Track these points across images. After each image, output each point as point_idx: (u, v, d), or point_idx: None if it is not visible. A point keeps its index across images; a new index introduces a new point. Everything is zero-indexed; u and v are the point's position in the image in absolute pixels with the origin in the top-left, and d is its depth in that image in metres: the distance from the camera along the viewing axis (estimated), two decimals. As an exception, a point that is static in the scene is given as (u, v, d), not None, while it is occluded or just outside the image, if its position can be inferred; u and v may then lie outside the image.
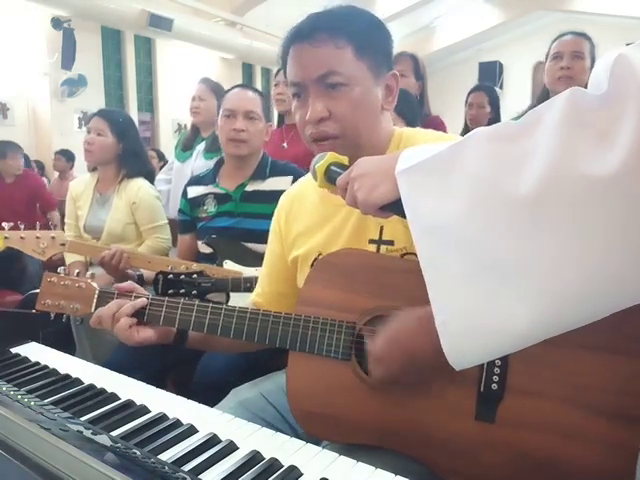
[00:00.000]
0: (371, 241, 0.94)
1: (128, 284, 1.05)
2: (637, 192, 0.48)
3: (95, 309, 1.04)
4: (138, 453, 0.61)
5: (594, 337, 0.71)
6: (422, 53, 3.07)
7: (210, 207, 1.78)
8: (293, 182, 1.65)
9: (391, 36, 0.97)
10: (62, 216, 2.65)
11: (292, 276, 1.06)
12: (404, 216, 0.64)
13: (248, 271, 1.60)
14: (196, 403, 0.82)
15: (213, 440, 0.70)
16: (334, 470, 0.65)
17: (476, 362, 0.63)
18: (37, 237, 1.60)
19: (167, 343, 1.02)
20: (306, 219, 1.04)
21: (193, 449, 0.67)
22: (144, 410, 0.78)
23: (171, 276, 1.48)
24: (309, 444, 0.71)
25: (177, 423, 0.74)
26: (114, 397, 0.82)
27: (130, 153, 2.07)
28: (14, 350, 1.01)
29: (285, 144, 2.45)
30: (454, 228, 0.58)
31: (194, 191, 1.83)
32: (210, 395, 1.03)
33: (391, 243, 0.92)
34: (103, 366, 0.97)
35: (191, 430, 0.73)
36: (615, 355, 0.72)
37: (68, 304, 1.08)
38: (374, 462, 0.67)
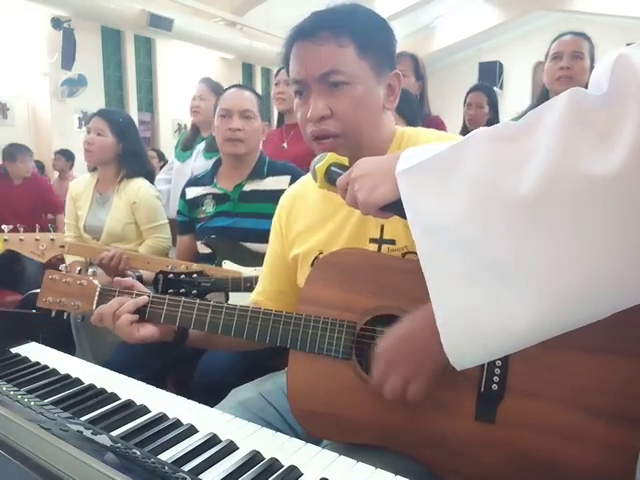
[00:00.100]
0: (372, 240, 0.94)
1: (127, 280, 1.05)
2: (638, 192, 0.48)
3: (96, 307, 1.04)
4: (138, 453, 0.61)
5: (593, 338, 0.71)
6: (422, 53, 3.07)
7: (208, 207, 1.78)
8: (291, 181, 1.67)
9: (394, 35, 0.97)
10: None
11: (293, 274, 1.06)
12: (404, 216, 0.64)
13: (247, 271, 1.60)
14: (196, 403, 0.82)
15: (213, 440, 0.70)
16: (334, 470, 0.65)
17: (477, 362, 0.63)
18: (36, 239, 1.61)
19: (167, 341, 1.02)
20: (307, 218, 1.04)
21: (193, 449, 0.67)
22: (144, 410, 0.78)
23: (171, 276, 1.48)
24: (309, 444, 0.71)
25: (177, 423, 0.74)
26: (114, 397, 0.82)
27: (130, 153, 2.07)
28: (14, 350, 1.01)
29: (285, 144, 2.45)
30: (454, 228, 0.58)
31: (192, 192, 1.83)
32: (210, 395, 1.03)
33: (392, 242, 0.92)
34: (103, 366, 0.97)
35: (191, 430, 0.73)
36: (614, 356, 0.72)
37: (69, 301, 1.09)
38: (374, 462, 0.67)
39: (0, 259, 2.67)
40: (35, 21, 6.69)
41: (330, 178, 0.82)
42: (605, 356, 0.72)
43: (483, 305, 0.57)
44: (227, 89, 1.87)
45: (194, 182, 1.87)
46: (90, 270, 1.13)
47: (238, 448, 0.69)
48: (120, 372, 0.93)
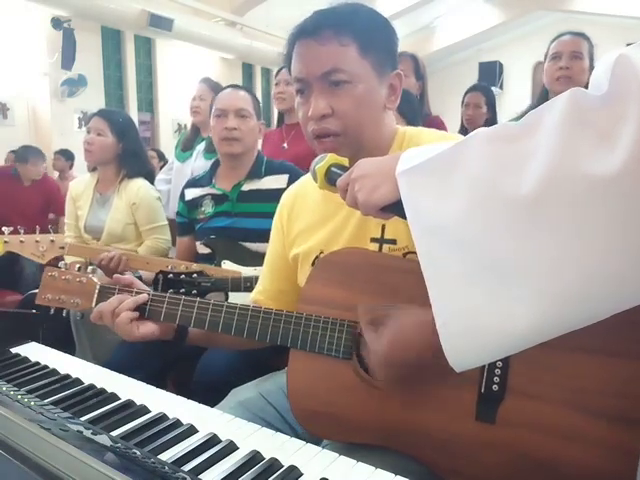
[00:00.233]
0: (373, 240, 0.94)
1: (127, 277, 1.06)
2: (638, 192, 0.48)
3: (96, 304, 1.04)
4: (138, 453, 0.61)
5: (594, 339, 0.71)
6: (422, 53, 3.07)
7: (208, 208, 1.79)
8: (289, 180, 1.67)
9: (396, 35, 0.97)
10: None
11: (293, 274, 1.06)
12: (404, 217, 0.64)
13: (246, 270, 1.60)
14: (196, 403, 0.82)
15: (213, 440, 0.70)
16: (334, 470, 0.65)
17: (477, 363, 0.63)
18: (36, 241, 1.62)
19: (167, 339, 1.02)
20: (308, 217, 1.04)
21: (193, 449, 0.67)
22: (144, 410, 0.78)
23: (171, 276, 1.48)
24: (309, 444, 0.71)
25: (177, 423, 0.74)
26: (114, 397, 0.82)
27: (130, 153, 2.07)
28: (14, 350, 1.01)
29: (285, 144, 2.45)
30: (454, 228, 0.58)
31: (191, 193, 1.84)
32: (210, 395, 1.03)
33: (393, 242, 0.92)
34: (103, 366, 0.97)
35: (191, 430, 0.73)
36: (615, 357, 0.72)
37: (69, 299, 1.09)
38: (374, 462, 0.67)
39: (0, 260, 2.67)
40: (35, 21, 6.69)
41: (330, 179, 0.82)
42: (605, 357, 0.72)
43: (483, 305, 0.57)
44: (222, 89, 1.87)
45: (193, 183, 1.88)
46: (89, 268, 1.13)
47: (238, 448, 0.69)
48: (120, 371, 0.94)
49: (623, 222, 0.49)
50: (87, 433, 0.62)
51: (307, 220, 1.04)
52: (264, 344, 0.94)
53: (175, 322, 0.98)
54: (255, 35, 8.81)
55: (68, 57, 6.76)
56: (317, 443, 0.78)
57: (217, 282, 1.50)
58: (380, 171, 0.71)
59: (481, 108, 2.88)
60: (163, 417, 0.76)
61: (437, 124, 2.43)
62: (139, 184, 2.06)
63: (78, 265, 1.13)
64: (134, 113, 7.77)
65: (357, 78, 0.90)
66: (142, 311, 0.99)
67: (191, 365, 1.49)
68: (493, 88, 9.57)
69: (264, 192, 1.72)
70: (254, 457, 0.66)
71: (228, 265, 1.65)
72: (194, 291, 1.47)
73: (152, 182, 2.20)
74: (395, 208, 0.68)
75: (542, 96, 2.17)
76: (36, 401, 0.77)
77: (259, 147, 1.91)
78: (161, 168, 3.60)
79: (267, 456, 0.67)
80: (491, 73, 10.36)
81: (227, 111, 1.74)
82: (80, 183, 2.19)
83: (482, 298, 0.57)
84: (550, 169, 0.52)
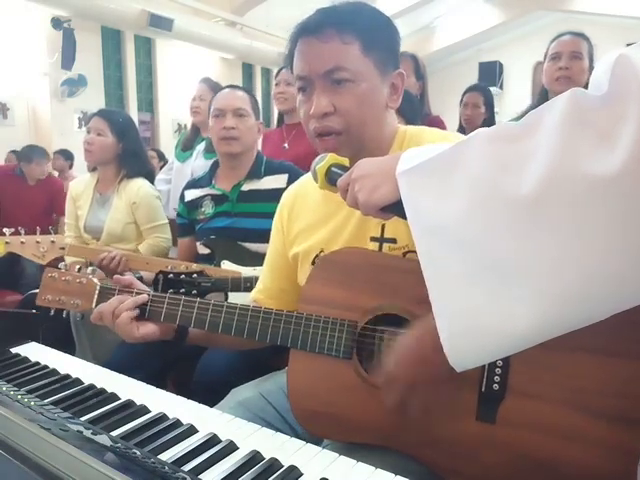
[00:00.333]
0: (373, 239, 0.94)
1: (127, 278, 1.06)
2: (638, 192, 0.48)
3: (96, 305, 1.04)
4: (138, 453, 0.61)
5: (594, 339, 0.71)
6: (422, 53, 3.07)
7: (207, 208, 1.79)
8: (289, 179, 1.67)
9: (399, 34, 0.97)
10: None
11: (293, 273, 1.06)
12: (405, 217, 0.64)
13: (246, 271, 1.60)
14: (196, 403, 0.82)
15: (213, 440, 0.70)
16: (334, 470, 0.65)
17: (477, 363, 0.63)
18: (37, 242, 1.62)
19: (167, 339, 1.02)
20: (308, 216, 1.04)
21: (193, 449, 0.67)
22: (144, 410, 0.78)
23: (171, 276, 1.48)
24: (309, 444, 0.71)
25: (177, 423, 0.74)
26: (114, 397, 0.82)
27: (130, 153, 2.07)
28: (14, 350, 1.01)
29: (286, 144, 2.45)
30: (455, 228, 0.58)
31: (191, 194, 1.84)
32: (210, 395, 1.03)
33: (393, 241, 0.92)
34: (103, 366, 0.97)
35: (191, 430, 0.73)
36: (615, 357, 0.72)
37: (69, 299, 1.08)
38: (374, 462, 0.67)
39: (0, 260, 2.68)
40: (35, 21, 6.69)
41: (331, 179, 0.82)
42: (605, 357, 0.72)
43: (483, 305, 0.57)
44: (220, 89, 1.87)
45: (192, 184, 1.88)
46: (89, 268, 1.13)
47: (238, 448, 0.69)
48: (120, 371, 0.93)
49: (623, 222, 0.49)
50: (87, 433, 0.62)
51: (307, 219, 1.04)
52: (264, 344, 0.94)
53: (175, 322, 0.98)
54: (255, 35, 8.81)
55: (68, 57, 6.77)
56: (317, 443, 0.78)
57: (217, 282, 1.50)
58: (380, 171, 0.71)
59: (479, 108, 2.88)
60: (163, 417, 0.76)
61: (437, 124, 2.43)
62: (139, 184, 2.06)
63: (78, 266, 1.13)
64: (134, 113, 7.77)
65: (359, 76, 0.90)
66: (142, 311, 0.99)
67: (191, 365, 1.49)
68: (493, 88, 9.62)
69: (264, 192, 1.72)
70: (254, 457, 0.66)
71: (227, 265, 1.65)
72: (194, 291, 1.47)
73: (152, 182, 2.20)
74: (395, 208, 0.68)
75: (542, 96, 2.17)
76: (36, 401, 0.77)
77: (259, 147, 1.91)
78: (161, 168, 3.60)
79: (267, 456, 0.67)
80: (491, 73, 10.36)
81: (225, 111, 1.74)
82: (80, 183, 2.19)
83: (482, 298, 0.57)
84: (550, 169, 0.52)
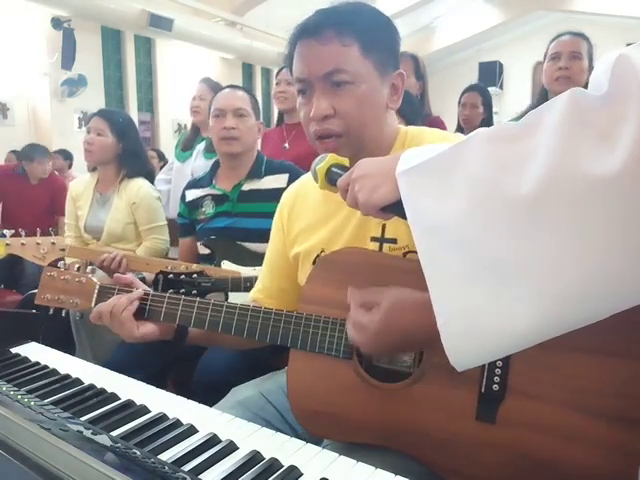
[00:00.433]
0: (373, 239, 0.94)
1: (127, 277, 1.06)
2: (637, 192, 0.48)
3: (95, 304, 1.04)
4: (138, 453, 0.61)
5: (594, 340, 0.71)
6: (422, 53, 3.07)
7: (208, 208, 1.79)
8: (289, 179, 1.67)
9: (398, 34, 0.97)
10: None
11: (293, 273, 1.06)
12: (405, 217, 0.64)
13: (246, 271, 1.60)
14: (196, 403, 0.82)
15: (213, 440, 0.70)
16: (334, 470, 0.65)
17: (477, 363, 0.63)
18: (37, 243, 1.63)
19: (167, 339, 1.02)
20: (309, 216, 1.04)
21: (193, 449, 0.67)
22: (144, 410, 0.78)
23: (171, 276, 1.48)
24: (309, 444, 0.71)
25: (177, 423, 0.74)
26: (114, 397, 0.82)
27: (130, 153, 2.07)
28: (14, 350, 1.01)
29: (287, 144, 2.45)
30: (454, 228, 0.58)
31: (192, 194, 1.84)
32: (210, 395, 1.03)
33: (394, 241, 0.92)
34: (103, 366, 0.97)
35: (191, 430, 0.73)
36: (615, 358, 0.72)
37: (68, 299, 1.09)
38: (374, 462, 0.67)
39: (1, 260, 2.68)
40: (35, 21, 6.69)
41: (331, 179, 0.82)
42: (605, 357, 0.72)
43: (483, 305, 0.57)
44: (222, 89, 1.88)
45: (193, 184, 1.88)
46: (89, 268, 1.13)
47: (238, 448, 0.69)
48: (120, 371, 0.93)
49: (623, 222, 0.49)
50: (87, 433, 0.62)
51: (308, 219, 1.04)
52: (264, 344, 0.94)
53: (175, 322, 0.98)
54: (255, 35, 8.81)
55: (68, 57, 6.77)
56: (317, 443, 0.78)
57: (217, 282, 1.50)
58: (380, 171, 0.71)
59: (478, 108, 2.89)
60: (163, 417, 0.76)
61: (437, 124, 2.43)
62: (139, 184, 2.06)
63: (77, 265, 1.13)
64: (134, 113, 7.78)
65: (359, 78, 0.90)
66: (142, 311, 0.99)
67: (191, 365, 1.49)
68: (493, 88, 9.62)
69: (264, 192, 1.72)
70: (254, 457, 0.66)
71: (227, 265, 1.65)
72: (194, 291, 1.47)
73: (152, 182, 2.20)
74: (395, 208, 0.68)
75: (541, 96, 2.17)
76: (36, 401, 0.77)
77: (258, 147, 1.91)
78: (161, 168, 3.59)
79: (267, 456, 0.67)
80: (491, 73, 10.36)
81: (225, 111, 1.75)
82: (80, 183, 2.19)
83: (482, 298, 0.57)
84: (550, 169, 0.52)
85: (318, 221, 1.02)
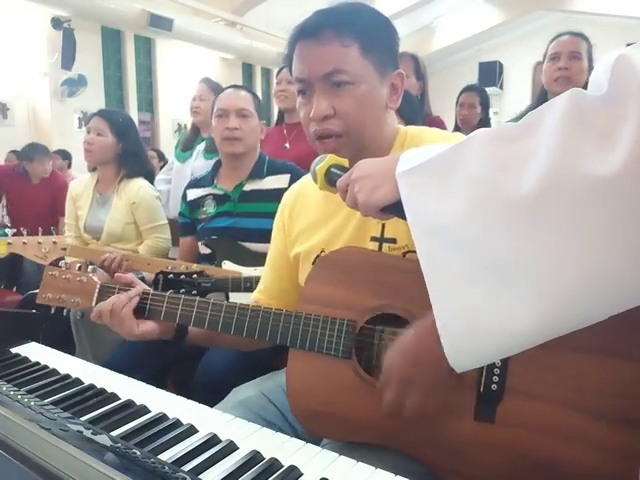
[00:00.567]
0: (373, 239, 0.94)
1: (127, 276, 1.06)
2: (638, 192, 0.48)
3: (96, 303, 1.04)
4: (138, 453, 0.61)
5: (594, 340, 0.71)
6: (422, 53, 3.07)
7: (209, 208, 1.79)
8: (291, 180, 1.67)
9: (397, 34, 0.97)
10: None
11: (294, 273, 1.06)
12: (405, 218, 0.64)
13: (246, 271, 1.60)
14: (196, 403, 0.82)
15: (213, 440, 0.70)
16: (334, 470, 0.65)
17: (477, 364, 0.63)
18: (39, 242, 1.63)
19: (167, 338, 1.02)
20: (309, 216, 1.04)
21: (193, 449, 0.67)
22: (144, 410, 0.78)
23: (171, 276, 1.48)
24: (309, 444, 0.71)
25: (177, 423, 0.74)
26: (114, 397, 0.82)
27: (130, 153, 2.07)
28: (14, 350, 1.01)
29: (287, 144, 2.45)
30: (454, 228, 0.59)
31: (193, 194, 1.84)
32: (210, 395, 1.03)
33: (393, 241, 0.92)
34: (103, 366, 0.97)
35: (191, 430, 0.73)
36: (615, 358, 0.72)
37: (69, 298, 1.09)
38: (374, 462, 0.67)
39: (1, 259, 2.68)
40: (35, 21, 6.69)
41: (330, 179, 0.82)
42: (605, 358, 0.72)
43: (483, 305, 0.57)
44: (222, 90, 1.87)
45: (194, 184, 1.88)
46: (90, 267, 1.14)
47: (238, 448, 0.69)
48: (120, 371, 0.94)
49: (623, 222, 0.49)
50: (87, 433, 0.62)
51: (308, 219, 1.04)
52: (264, 345, 0.94)
53: (175, 321, 0.98)
54: (255, 35, 8.80)
55: (68, 57, 6.76)
56: (317, 443, 0.78)
57: (217, 282, 1.50)
58: (380, 172, 0.71)
59: (475, 108, 2.89)
60: (163, 417, 0.76)
61: (438, 124, 2.43)
62: (139, 184, 2.06)
63: (78, 264, 1.13)
64: (134, 113, 7.77)
65: (359, 78, 0.90)
66: (142, 310, 0.99)
67: (191, 365, 1.49)
68: (493, 88, 9.61)
69: (266, 192, 1.72)
70: (254, 457, 0.66)
71: (228, 265, 1.65)
72: (194, 291, 1.47)
73: (152, 182, 2.20)
74: (395, 209, 0.68)
75: (541, 96, 2.17)
76: (36, 401, 0.77)
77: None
78: (161, 168, 3.59)
79: (267, 456, 0.67)
80: (491, 73, 10.35)
81: (228, 111, 1.74)
82: (80, 183, 2.19)
83: (482, 298, 0.57)
84: (550, 169, 0.52)
85: (318, 221, 1.02)
